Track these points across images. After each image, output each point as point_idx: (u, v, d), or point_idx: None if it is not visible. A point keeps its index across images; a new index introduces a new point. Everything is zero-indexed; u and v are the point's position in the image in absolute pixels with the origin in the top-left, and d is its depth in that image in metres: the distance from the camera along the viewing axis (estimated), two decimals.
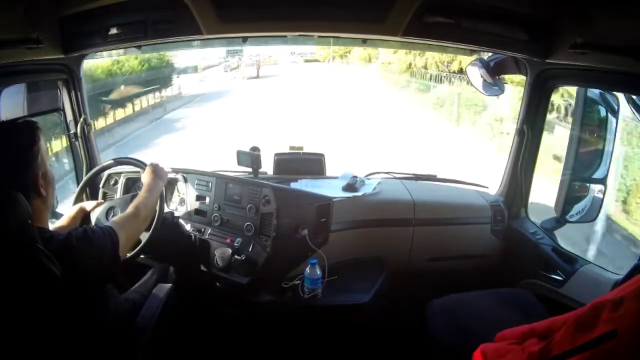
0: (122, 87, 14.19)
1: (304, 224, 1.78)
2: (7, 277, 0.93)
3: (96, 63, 11.85)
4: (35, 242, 0.94)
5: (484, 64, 1.85)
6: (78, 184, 1.85)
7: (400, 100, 17.65)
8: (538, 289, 1.73)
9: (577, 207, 1.83)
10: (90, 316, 1.10)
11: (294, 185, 2.04)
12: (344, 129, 11.92)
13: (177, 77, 20.17)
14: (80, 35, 1.57)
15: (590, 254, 3.95)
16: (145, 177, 1.54)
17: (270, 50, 31.82)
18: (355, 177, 2.06)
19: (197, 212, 1.91)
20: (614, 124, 1.71)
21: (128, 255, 1.49)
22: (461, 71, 13.85)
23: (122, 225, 1.22)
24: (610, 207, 4.58)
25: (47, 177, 1.12)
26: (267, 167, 2.15)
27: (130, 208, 1.35)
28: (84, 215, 1.58)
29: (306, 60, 33.96)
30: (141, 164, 1.68)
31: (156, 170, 1.57)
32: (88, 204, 1.61)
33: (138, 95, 15.06)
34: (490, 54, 1.86)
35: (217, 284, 1.82)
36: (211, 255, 1.79)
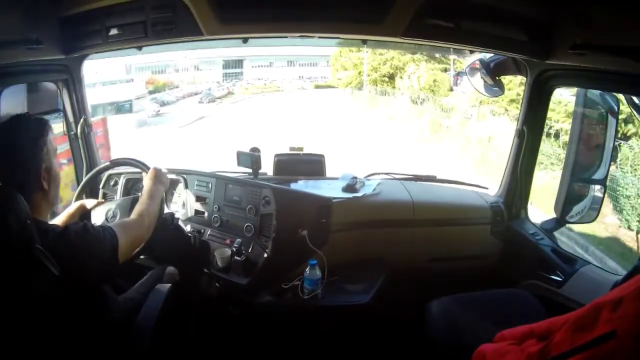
0: None
1: (303, 225, 1.78)
2: (6, 278, 0.93)
3: None
4: (34, 242, 0.95)
5: (484, 65, 1.85)
6: (78, 184, 1.85)
7: None
8: (538, 290, 1.73)
9: (577, 208, 1.83)
10: (90, 316, 1.10)
11: (293, 186, 2.04)
12: None
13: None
14: (80, 35, 1.57)
15: None
16: (147, 182, 1.54)
17: (274, 74, 25.80)
18: (355, 177, 2.06)
19: (197, 213, 1.91)
20: (614, 124, 1.71)
21: None
22: None
23: (125, 229, 1.22)
24: None
25: (52, 173, 1.13)
26: (267, 167, 2.15)
27: (133, 215, 1.35)
28: (84, 213, 1.58)
29: (317, 86, 25.57)
30: (143, 166, 1.68)
31: (158, 175, 1.57)
32: (88, 202, 1.61)
33: None
34: (490, 54, 1.87)
35: (217, 284, 1.82)
36: (211, 256, 1.79)
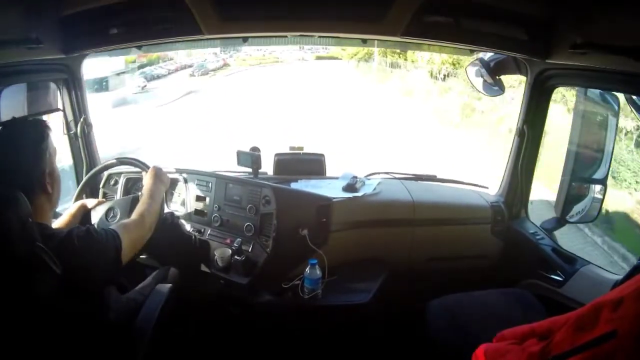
0: None
1: (304, 224, 1.78)
2: (7, 276, 0.93)
3: None
4: (36, 241, 0.95)
5: (484, 64, 1.85)
6: (78, 183, 1.85)
7: None
8: (538, 289, 1.73)
9: (577, 208, 1.83)
10: (90, 316, 1.10)
11: (294, 185, 2.04)
12: None
13: None
14: (80, 35, 1.57)
15: None
16: (147, 181, 1.54)
17: (273, 46, 22.82)
18: (356, 177, 2.06)
19: (197, 212, 1.91)
20: (614, 124, 1.71)
21: None
22: None
23: (127, 230, 1.23)
24: None
25: (54, 176, 1.15)
26: (267, 167, 2.15)
27: (134, 215, 1.35)
28: (85, 213, 1.58)
29: (318, 57, 23.23)
30: (143, 166, 1.68)
31: (158, 174, 1.57)
32: (89, 202, 1.62)
33: None
34: (490, 53, 1.87)
35: (217, 284, 1.82)
36: (211, 255, 1.79)
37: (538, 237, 1.86)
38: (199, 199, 1.91)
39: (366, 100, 13.49)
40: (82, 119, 1.96)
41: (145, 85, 18.24)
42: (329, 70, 19.77)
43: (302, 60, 24.09)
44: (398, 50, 16.23)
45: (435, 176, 2.30)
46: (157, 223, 1.54)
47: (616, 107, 1.69)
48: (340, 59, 21.77)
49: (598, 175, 1.78)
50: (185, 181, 1.93)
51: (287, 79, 18.04)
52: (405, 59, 16.57)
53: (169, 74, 20.42)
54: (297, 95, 14.24)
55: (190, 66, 21.55)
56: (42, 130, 1.15)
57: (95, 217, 1.59)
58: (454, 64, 13.30)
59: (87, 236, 1.09)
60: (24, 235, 0.93)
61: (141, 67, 19.72)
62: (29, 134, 1.13)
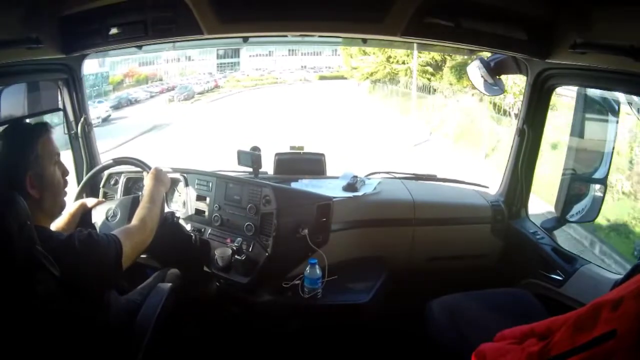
0: None
1: (304, 224, 1.78)
2: (6, 277, 0.93)
3: None
4: (35, 243, 0.95)
5: (485, 64, 1.85)
6: (78, 183, 1.85)
7: None
8: (538, 289, 1.74)
9: (577, 207, 1.83)
10: (90, 317, 1.10)
11: (294, 185, 2.04)
12: None
13: None
14: (80, 35, 1.57)
15: None
16: (148, 183, 1.54)
17: (273, 64, 22.32)
18: (356, 177, 2.06)
19: (198, 212, 1.91)
20: (614, 124, 1.71)
21: None
22: None
23: (128, 236, 1.23)
24: None
25: (44, 180, 1.12)
26: (268, 167, 2.15)
27: (135, 220, 1.35)
28: (84, 212, 1.58)
29: (321, 77, 21.43)
30: (143, 166, 1.68)
31: (158, 176, 1.57)
32: (89, 201, 1.62)
33: None
34: (490, 53, 1.87)
35: (217, 283, 1.83)
36: (211, 255, 1.79)
37: (538, 236, 1.86)
38: (199, 198, 1.92)
39: (401, 144, 10.03)
40: (82, 119, 1.96)
41: (108, 116, 14.68)
42: (338, 94, 16.71)
43: (304, 81, 21.93)
44: (430, 70, 13.03)
45: (436, 176, 2.31)
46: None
47: (616, 107, 1.69)
48: (347, 78, 18.51)
49: (598, 174, 1.78)
50: (186, 181, 1.93)
51: (285, 105, 15.25)
52: (440, 81, 12.58)
53: (151, 97, 17.59)
54: (295, 133, 10.56)
55: (162, 90, 18.64)
56: (33, 132, 1.13)
57: (96, 217, 1.59)
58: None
59: (88, 240, 1.09)
60: (21, 238, 0.93)
61: (129, 87, 17.31)
62: (14, 137, 1.12)
